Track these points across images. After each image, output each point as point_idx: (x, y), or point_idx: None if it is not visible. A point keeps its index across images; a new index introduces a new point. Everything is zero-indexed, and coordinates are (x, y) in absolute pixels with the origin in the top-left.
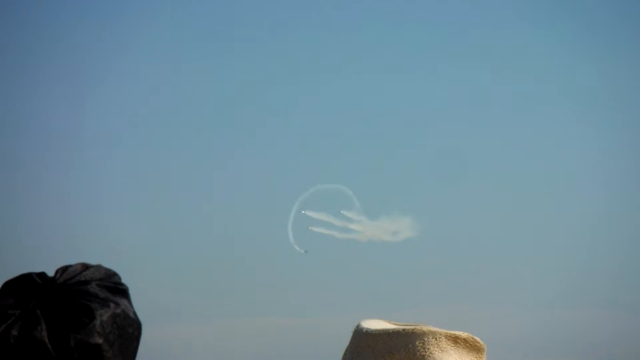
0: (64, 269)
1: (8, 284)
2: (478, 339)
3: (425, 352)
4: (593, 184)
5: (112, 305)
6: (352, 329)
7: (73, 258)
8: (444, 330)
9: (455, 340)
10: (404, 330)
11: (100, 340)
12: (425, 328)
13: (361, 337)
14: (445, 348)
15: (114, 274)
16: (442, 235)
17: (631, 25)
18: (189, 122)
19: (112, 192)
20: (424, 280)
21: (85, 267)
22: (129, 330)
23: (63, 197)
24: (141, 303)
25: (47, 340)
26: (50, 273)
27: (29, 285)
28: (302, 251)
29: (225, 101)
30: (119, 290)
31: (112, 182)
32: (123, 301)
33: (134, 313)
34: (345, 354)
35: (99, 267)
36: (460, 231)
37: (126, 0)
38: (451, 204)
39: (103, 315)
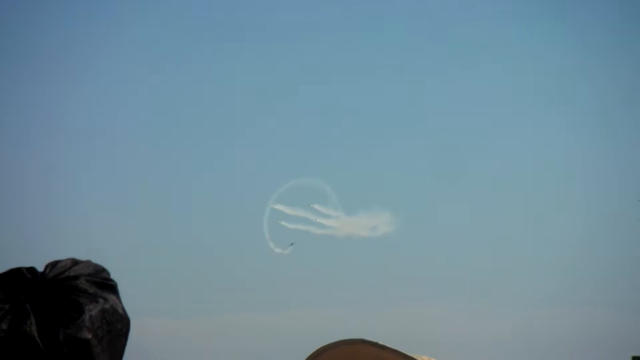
0: (53, 264)
1: None
2: None
3: None
4: (584, 185)
5: (101, 300)
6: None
7: (56, 254)
8: None
9: None
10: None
11: (89, 335)
12: None
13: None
14: None
15: (103, 270)
16: (420, 231)
17: (623, 31)
18: (170, 122)
19: (94, 191)
20: (402, 276)
21: (75, 262)
22: (117, 326)
23: (47, 195)
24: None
25: (36, 334)
26: (39, 268)
27: (18, 279)
28: (289, 245)
29: (206, 102)
30: (108, 285)
31: (94, 180)
32: (112, 297)
33: (123, 309)
34: None
35: (88, 262)
36: (438, 227)
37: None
38: (431, 200)
39: (92, 311)
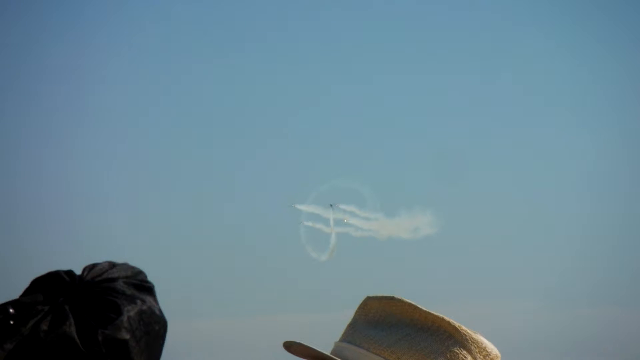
0: (91, 267)
1: (36, 281)
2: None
3: None
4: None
5: (138, 302)
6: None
7: (82, 256)
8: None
9: None
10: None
11: (127, 336)
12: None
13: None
14: None
15: (140, 272)
16: (463, 232)
17: (627, 32)
18: (196, 124)
19: (118, 193)
20: (445, 277)
21: (112, 265)
22: (155, 327)
23: (69, 198)
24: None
25: (75, 335)
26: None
27: (57, 282)
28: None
29: (242, 99)
30: (145, 287)
31: (121, 183)
32: (149, 298)
33: (160, 310)
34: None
35: (125, 265)
36: (479, 228)
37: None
38: (466, 200)
39: (130, 312)
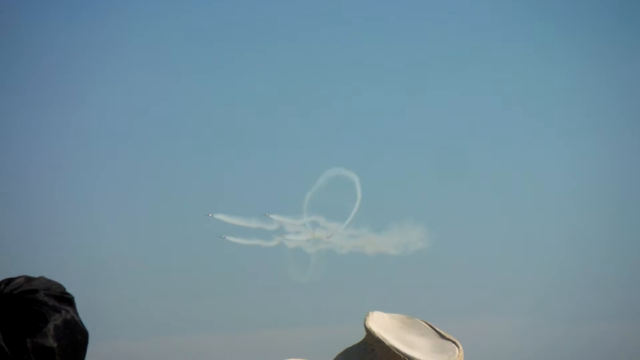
0: (7, 282)
1: None
2: None
3: None
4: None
5: (63, 311)
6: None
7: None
8: None
9: None
10: None
11: (54, 344)
12: None
13: None
14: None
15: (59, 285)
16: (454, 245)
17: (615, 51)
18: (180, 134)
19: (104, 204)
20: (437, 292)
21: (29, 279)
22: (78, 337)
23: (54, 206)
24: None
25: (3, 343)
26: None
27: None
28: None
29: (227, 109)
30: (65, 299)
31: (105, 193)
32: (71, 309)
33: (81, 322)
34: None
35: (42, 278)
36: (470, 240)
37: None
38: (459, 212)
39: (56, 320)
